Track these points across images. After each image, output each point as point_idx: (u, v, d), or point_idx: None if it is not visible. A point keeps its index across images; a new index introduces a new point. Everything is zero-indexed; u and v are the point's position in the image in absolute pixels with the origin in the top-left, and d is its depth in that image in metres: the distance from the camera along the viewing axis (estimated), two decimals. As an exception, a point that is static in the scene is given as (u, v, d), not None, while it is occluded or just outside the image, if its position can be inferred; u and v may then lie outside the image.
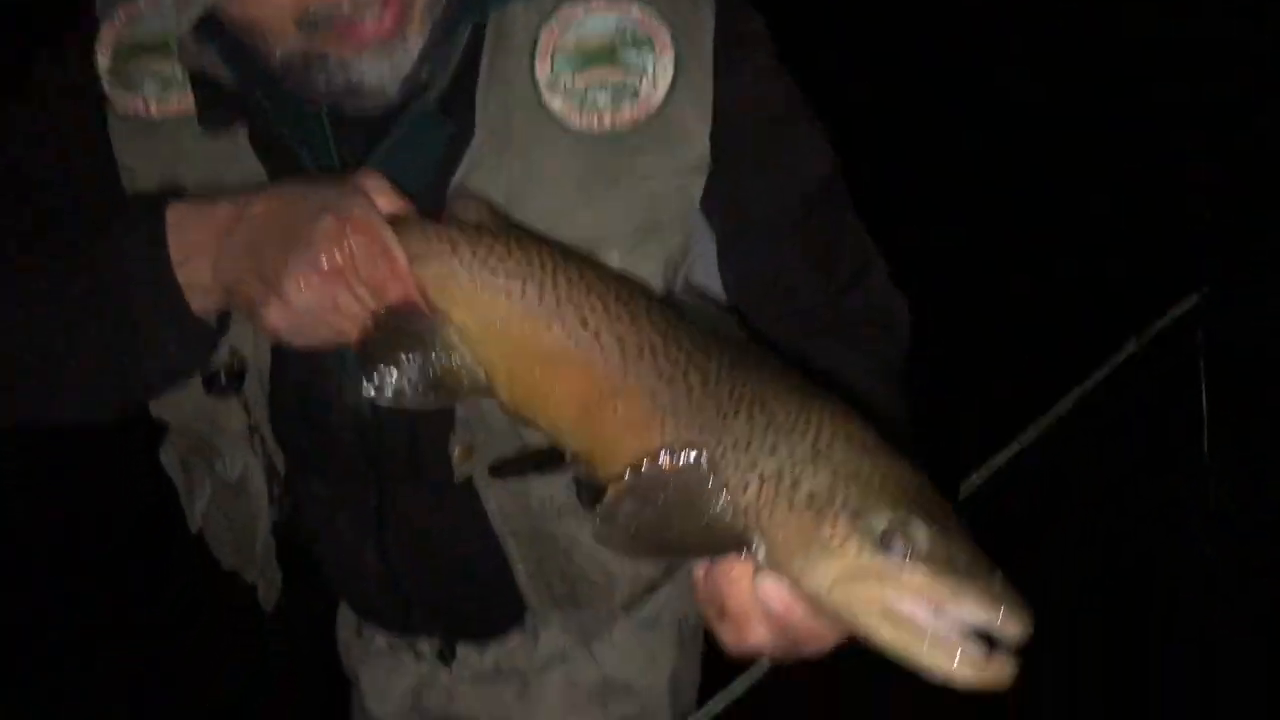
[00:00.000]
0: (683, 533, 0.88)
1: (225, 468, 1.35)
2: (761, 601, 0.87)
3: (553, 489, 1.30)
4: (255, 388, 1.26)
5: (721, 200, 1.19)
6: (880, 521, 0.83)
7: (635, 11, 1.17)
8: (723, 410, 0.92)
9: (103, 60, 1.21)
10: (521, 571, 1.35)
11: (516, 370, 1.02)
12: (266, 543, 1.42)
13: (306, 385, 1.29)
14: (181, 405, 1.28)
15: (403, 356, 1.04)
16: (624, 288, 1.03)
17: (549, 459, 1.08)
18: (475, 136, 1.16)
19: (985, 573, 0.83)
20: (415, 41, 1.13)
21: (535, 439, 1.21)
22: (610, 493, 0.88)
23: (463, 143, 1.16)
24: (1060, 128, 5.08)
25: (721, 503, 0.89)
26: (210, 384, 1.23)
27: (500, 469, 1.25)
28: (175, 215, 1.07)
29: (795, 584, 0.87)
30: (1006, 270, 4.40)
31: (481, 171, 1.15)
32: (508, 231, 1.08)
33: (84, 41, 1.22)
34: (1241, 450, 3.19)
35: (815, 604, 0.86)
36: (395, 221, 1.07)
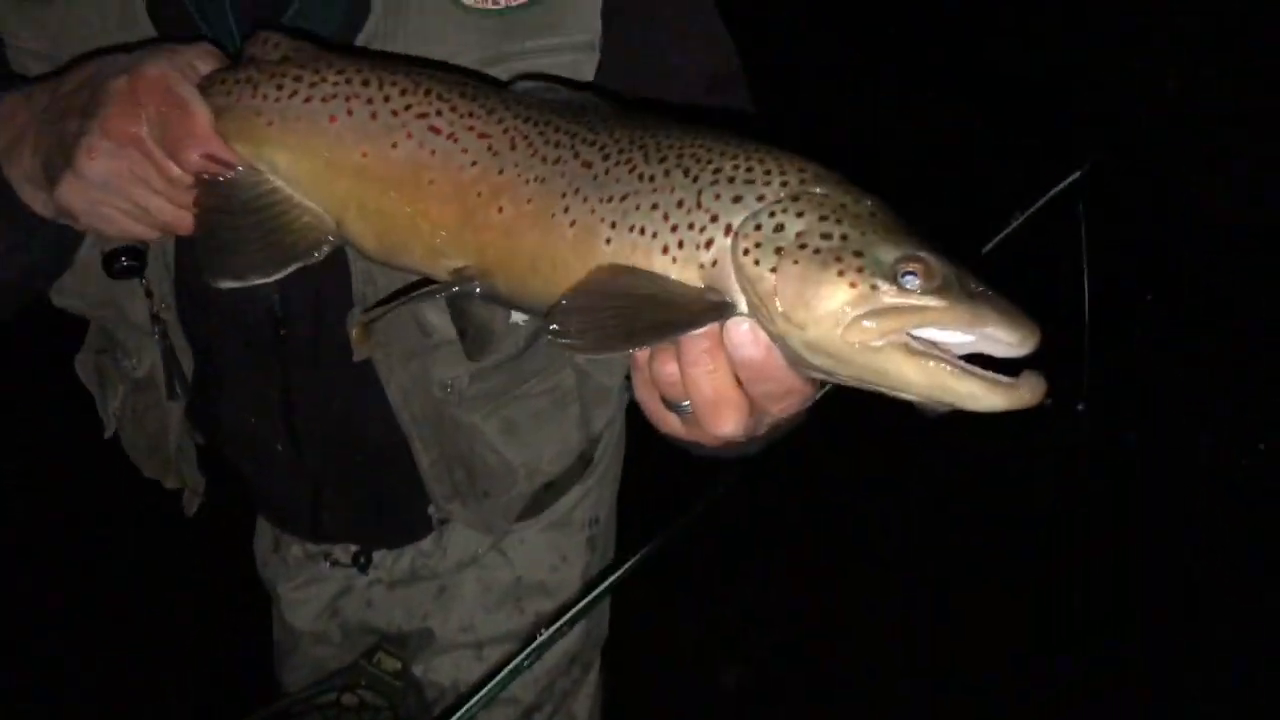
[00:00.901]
0: (651, 317, 0.80)
1: (133, 364, 1.32)
2: (735, 349, 0.80)
3: (454, 372, 1.28)
4: (160, 271, 1.21)
5: (614, 81, 1.16)
6: (889, 253, 0.77)
7: None
8: (645, 174, 0.84)
9: None
10: (424, 459, 1.35)
11: (369, 201, 0.94)
12: (181, 443, 1.40)
13: None
14: (85, 291, 1.23)
15: (237, 228, 0.97)
16: (468, 84, 0.95)
17: (424, 285, 0.96)
18: (372, 11, 1.11)
19: (996, 295, 0.78)
20: None
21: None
22: (553, 311, 0.81)
23: (360, 16, 1.11)
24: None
25: (686, 271, 0.81)
26: (109, 265, 1.16)
27: (373, 307, 1.15)
28: (2, 109, 1.02)
29: (789, 339, 0.79)
30: (908, 146, 4.45)
31: (376, 45, 1.10)
32: (320, 59, 0.99)
33: None
34: (1121, 317, 3.37)
35: (820, 352, 0.78)
36: (206, 83, 0.99)
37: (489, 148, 0.90)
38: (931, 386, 0.76)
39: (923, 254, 0.77)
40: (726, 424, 0.83)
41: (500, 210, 0.88)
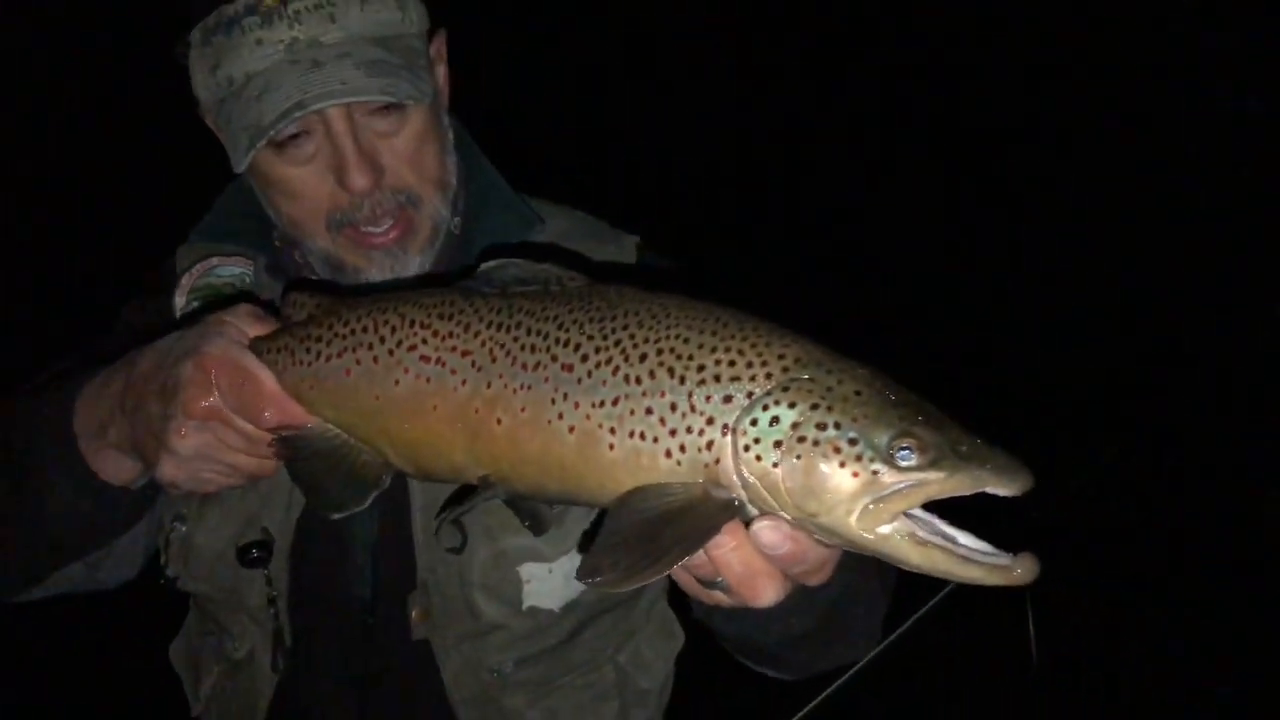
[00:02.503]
0: (671, 536, 0.83)
1: (233, 646, 1.43)
2: (767, 552, 0.85)
3: (502, 658, 1.40)
4: (280, 562, 1.36)
5: None
6: (882, 435, 0.81)
7: None
8: (630, 375, 0.88)
9: (179, 300, 1.41)
10: None
11: (394, 435, 1.03)
12: None
13: (325, 561, 1.40)
14: (214, 578, 1.38)
15: (317, 471, 1.09)
16: (449, 303, 1.01)
17: (469, 490, 1.03)
18: None
19: (986, 447, 0.83)
20: (415, 260, 1.34)
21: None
22: (583, 564, 0.85)
23: None
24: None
25: (691, 471, 0.85)
26: (242, 556, 1.33)
27: (440, 513, 1.28)
28: (86, 392, 1.19)
29: (801, 524, 0.84)
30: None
31: None
32: (332, 312, 1.11)
33: (161, 294, 1.43)
34: (1066, 665, 3.46)
35: (835, 535, 0.83)
36: (256, 349, 1.12)
37: (473, 364, 0.96)
38: (937, 570, 0.82)
39: (914, 430, 0.82)
40: (765, 594, 0.87)
41: (499, 422, 0.94)
